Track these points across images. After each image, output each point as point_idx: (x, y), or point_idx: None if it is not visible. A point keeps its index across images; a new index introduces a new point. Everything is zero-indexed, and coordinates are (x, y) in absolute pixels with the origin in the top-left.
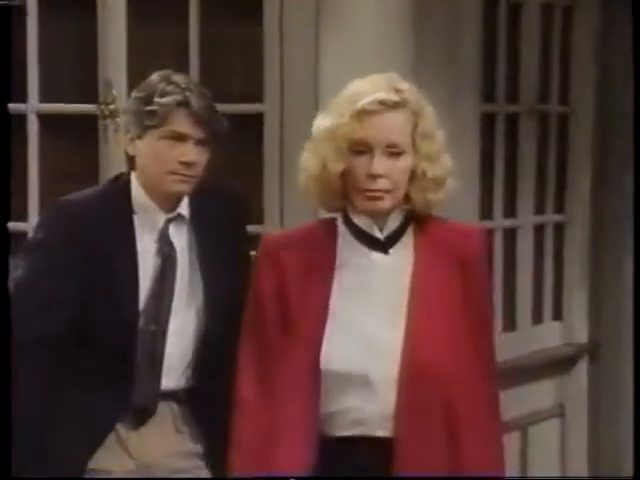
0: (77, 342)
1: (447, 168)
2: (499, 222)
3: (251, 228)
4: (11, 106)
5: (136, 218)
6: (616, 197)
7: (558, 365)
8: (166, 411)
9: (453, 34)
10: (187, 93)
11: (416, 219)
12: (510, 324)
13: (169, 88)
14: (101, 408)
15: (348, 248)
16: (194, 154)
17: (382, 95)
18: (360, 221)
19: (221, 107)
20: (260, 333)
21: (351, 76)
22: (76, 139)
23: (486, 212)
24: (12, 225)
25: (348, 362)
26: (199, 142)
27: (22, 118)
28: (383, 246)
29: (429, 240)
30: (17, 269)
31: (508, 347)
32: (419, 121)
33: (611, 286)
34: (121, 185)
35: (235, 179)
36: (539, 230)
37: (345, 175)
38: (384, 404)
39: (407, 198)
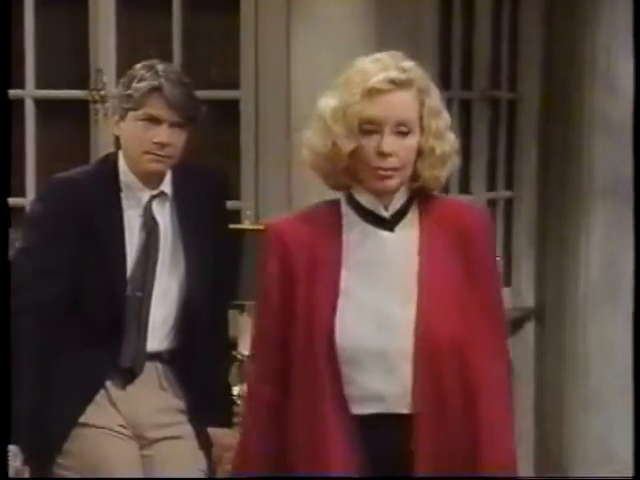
0: (70, 307)
1: (453, 144)
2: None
3: (229, 203)
4: (10, 91)
5: (123, 195)
6: (568, 172)
7: (507, 327)
8: (151, 370)
9: (412, 25)
10: (162, 79)
11: (419, 197)
12: None
13: (147, 75)
14: (92, 368)
15: (354, 228)
16: (168, 135)
17: (392, 74)
18: (365, 200)
19: (201, 93)
20: (272, 320)
21: (319, 65)
22: (69, 122)
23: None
24: (11, 200)
25: (362, 340)
26: (173, 124)
27: (20, 103)
28: (389, 224)
29: (433, 217)
30: (16, 240)
31: None
32: (426, 99)
33: (555, 255)
34: (109, 164)
35: (215, 159)
36: (491, 205)
37: (354, 154)
38: (401, 381)
39: (413, 175)
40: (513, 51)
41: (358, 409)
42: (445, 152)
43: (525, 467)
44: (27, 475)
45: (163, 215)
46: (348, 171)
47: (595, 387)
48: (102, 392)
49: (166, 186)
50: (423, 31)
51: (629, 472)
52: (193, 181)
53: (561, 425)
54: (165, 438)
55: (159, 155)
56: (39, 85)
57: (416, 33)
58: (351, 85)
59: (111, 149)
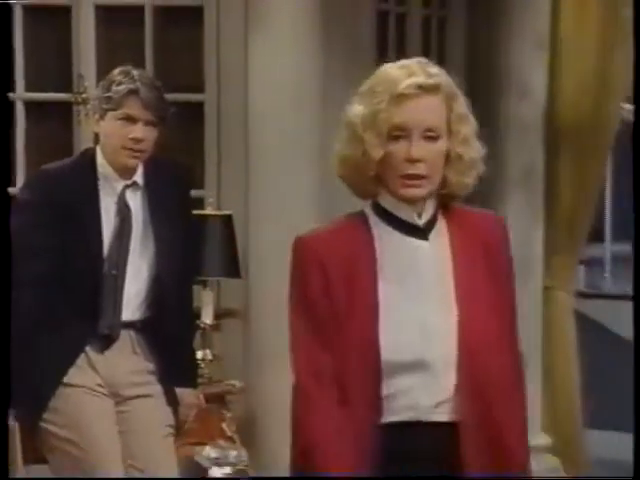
0: (55, 283)
1: (479, 151)
2: None
3: (194, 192)
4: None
5: (100, 184)
6: (487, 162)
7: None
8: (125, 337)
9: (352, 37)
10: (138, 84)
11: (443, 205)
12: None
13: (124, 79)
14: (73, 335)
15: (386, 238)
16: (143, 132)
17: (420, 79)
18: (396, 209)
19: (170, 96)
20: (312, 337)
21: (273, 71)
22: (55, 121)
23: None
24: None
25: (406, 350)
26: (147, 123)
27: (11, 104)
28: (422, 233)
29: (459, 226)
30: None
31: None
32: (453, 104)
33: None
34: (88, 157)
35: (182, 153)
36: None
37: (382, 161)
38: (442, 389)
39: (442, 182)
40: (441, 62)
41: (395, 417)
42: (472, 158)
43: None
44: (17, 432)
45: (135, 202)
46: (377, 179)
47: None
48: (83, 356)
49: (138, 177)
50: (362, 46)
51: None
52: (162, 172)
53: None
54: (137, 396)
55: (135, 150)
56: (28, 88)
57: (355, 47)
58: (378, 92)
59: (91, 145)
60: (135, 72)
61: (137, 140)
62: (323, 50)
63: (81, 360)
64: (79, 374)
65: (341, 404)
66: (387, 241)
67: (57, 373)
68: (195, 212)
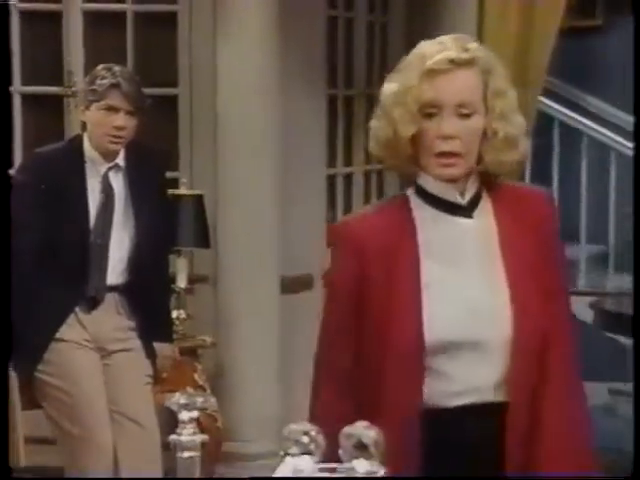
0: (47, 252)
1: (520, 126)
2: (340, 170)
3: (169, 174)
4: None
5: (87, 166)
6: None
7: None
8: (110, 299)
9: (307, 38)
10: (119, 78)
11: (486, 182)
12: None
13: (107, 74)
14: (64, 297)
15: (428, 218)
16: (123, 121)
17: (451, 53)
18: (438, 189)
19: (148, 90)
20: (343, 317)
21: (238, 68)
22: (48, 111)
23: (331, 162)
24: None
25: (454, 330)
26: (128, 113)
27: (9, 96)
28: (466, 211)
29: (505, 203)
30: None
31: None
32: (490, 79)
33: None
34: (76, 142)
35: (159, 140)
36: (368, 174)
37: (416, 140)
38: (496, 369)
39: (479, 160)
40: (384, 60)
41: (445, 401)
42: (509, 134)
43: None
44: (15, 381)
45: (117, 182)
46: (412, 159)
47: None
48: (72, 315)
49: (120, 160)
50: (315, 47)
51: None
52: (141, 156)
53: None
54: (120, 350)
55: (116, 136)
56: (24, 82)
57: (309, 48)
58: (410, 68)
59: (79, 132)
60: (117, 68)
61: (119, 128)
62: (281, 50)
63: (71, 319)
64: (69, 331)
65: (382, 390)
66: (430, 221)
67: (50, 330)
68: (170, 191)
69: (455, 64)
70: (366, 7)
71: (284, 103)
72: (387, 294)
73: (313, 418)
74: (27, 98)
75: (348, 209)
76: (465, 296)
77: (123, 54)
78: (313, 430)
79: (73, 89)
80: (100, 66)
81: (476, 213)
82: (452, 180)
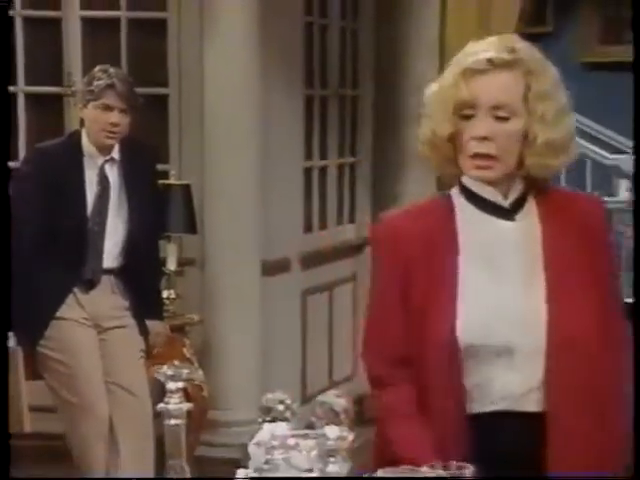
0: (48, 238)
1: (566, 131)
2: (316, 162)
3: (160, 166)
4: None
5: (85, 160)
6: (392, 143)
7: (352, 250)
8: (106, 280)
9: (286, 43)
10: (114, 79)
11: (534, 186)
12: (323, 226)
13: (103, 76)
14: (64, 279)
15: (470, 219)
16: (118, 118)
17: (490, 54)
18: (481, 190)
19: (141, 90)
20: (390, 318)
21: (223, 70)
22: (49, 109)
23: (307, 155)
24: (10, 164)
25: (487, 334)
26: (121, 111)
27: (14, 95)
28: (508, 213)
29: (552, 208)
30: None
31: (323, 240)
32: (533, 81)
33: (385, 202)
34: (75, 138)
35: (151, 135)
36: (341, 167)
37: (454, 141)
38: (531, 376)
39: (519, 163)
40: (355, 63)
41: (480, 407)
42: (551, 139)
43: None
44: (20, 355)
45: (112, 174)
46: (454, 159)
47: None
48: (71, 296)
49: (115, 154)
50: (293, 51)
51: None
52: (135, 150)
53: None
54: (115, 327)
55: (111, 132)
56: (27, 82)
57: (288, 51)
58: (452, 67)
59: (78, 128)
60: (112, 70)
61: (113, 124)
62: (262, 54)
63: (70, 299)
64: (69, 310)
65: (420, 392)
66: (471, 222)
67: (51, 309)
68: (161, 182)
69: (493, 65)
70: (339, 14)
71: (265, 102)
72: (426, 295)
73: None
74: (30, 97)
75: (323, 198)
76: (500, 301)
77: (117, 57)
78: (288, 399)
79: (72, 89)
80: (97, 68)
81: (519, 216)
82: (492, 182)
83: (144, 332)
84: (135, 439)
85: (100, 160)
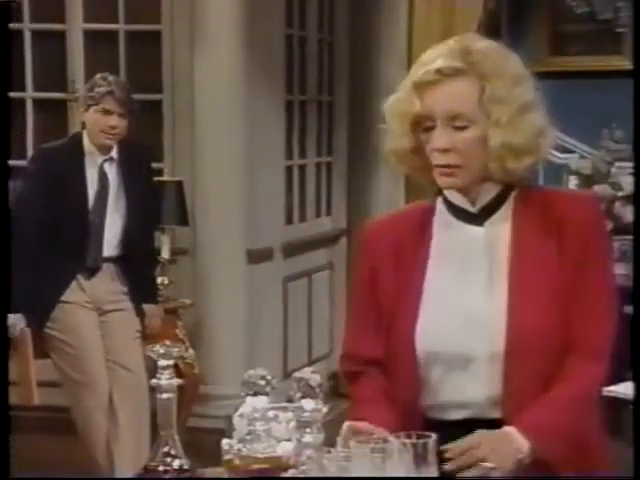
0: (53, 230)
1: (526, 133)
2: (296, 161)
3: (155, 164)
4: (16, 94)
5: (86, 159)
6: (364, 144)
7: (330, 240)
8: (106, 268)
9: (269, 53)
10: (113, 86)
11: (519, 189)
12: (302, 218)
13: (103, 83)
14: (68, 266)
15: (444, 224)
16: (116, 121)
17: (439, 63)
18: (451, 195)
19: (137, 95)
20: (360, 321)
21: (212, 78)
22: (54, 113)
23: (288, 155)
24: (17, 162)
25: (446, 341)
26: (120, 115)
27: (22, 101)
28: (477, 219)
29: (529, 209)
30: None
31: (303, 231)
32: (487, 85)
33: (358, 196)
34: (77, 139)
35: (146, 137)
36: (319, 165)
37: (419, 151)
38: (491, 383)
39: (483, 168)
40: (331, 71)
41: (445, 414)
42: (507, 143)
43: None
44: (29, 335)
45: (111, 172)
46: (423, 168)
47: None
48: (74, 282)
49: (114, 154)
50: (275, 61)
51: None
52: (132, 150)
53: None
54: (114, 310)
55: (110, 134)
56: (35, 89)
57: (270, 61)
58: (406, 80)
59: (80, 129)
60: (111, 77)
61: (112, 127)
62: (247, 63)
63: (73, 284)
64: (72, 294)
65: (390, 392)
66: (445, 227)
67: (56, 294)
68: (155, 178)
69: (443, 74)
70: (316, 28)
71: (249, 106)
72: (394, 300)
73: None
74: (37, 102)
75: (302, 193)
76: (461, 307)
77: (116, 65)
78: (268, 375)
79: (75, 95)
80: (98, 75)
81: (490, 221)
82: (461, 189)
83: (140, 314)
84: (132, 411)
85: (100, 159)
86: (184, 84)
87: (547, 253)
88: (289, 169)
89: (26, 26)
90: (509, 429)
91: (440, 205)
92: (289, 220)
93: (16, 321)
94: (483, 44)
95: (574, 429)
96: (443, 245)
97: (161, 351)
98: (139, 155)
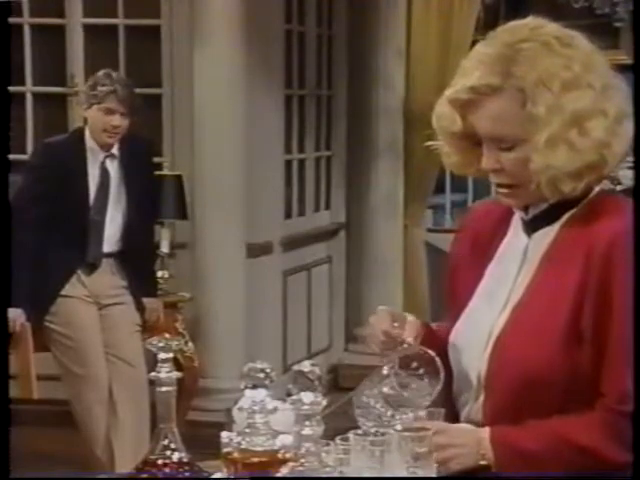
0: (55, 225)
1: (576, 152)
2: (295, 155)
3: (155, 159)
4: (16, 88)
5: (88, 154)
6: (363, 139)
7: (328, 234)
8: (106, 264)
9: (268, 48)
10: (116, 85)
11: (591, 199)
12: (302, 211)
13: (106, 81)
14: (69, 261)
15: (514, 228)
16: (119, 121)
17: (472, 79)
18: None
19: (137, 89)
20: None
21: (211, 74)
22: (54, 107)
23: (287, 149)
24: (18, 156)
25: (459, 355)
26: (122, 114)
27: (22, 95)
28: (528, 228)
29: (578, 224)
30: (15, 182)
31: (302, 225)
32: (527, 101)
33: (357, 189)
34: (79, 134)
35: (147, 131)
36: (318, 160)
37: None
38: (476, 410)
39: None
40: (330, 66)
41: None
42: (550, 165)
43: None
44: (29, 329)
45: (112, 168)
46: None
47: (378, 264)
48: (75, 277)
49: (115, 150)
50: (274, 56)
51: None
52: (133, 145)
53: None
54: (114, 304)
55: (112, 132)
56: (35, 83)
57: (269, 56)
58: (447, 90)
59: (80, 124)
60: (114, 75)
61: (114, 127)
62: (247, 57)
63: (74, 279)
64: (72, 289)
65: None
66: (514, 231)
67: (57, 288)
68: (156, 172)
69: (479, 93)
70: (315, 23)
71: (249, 100)
72: (457, 299)
73: None
74: (37, 96)
75: (302, 187)
76: (480, 324)
77: (116, 60)
78: (267, 368)
79: (75, 89)
80: (101, 72)
81: (539, 233)
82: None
83: (140, 308)
84: (132, 405)
85: (101, 155)
86: (183, 78)
87: (566, 284)
88: (288, 163)
89: (26, 20)
90: (483, 434)
91: None
92: (288, 214)
93: (16, 315)
94: (537, 42)
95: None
96: (504, 249)
97: (160, 344)
98: (140, 150)
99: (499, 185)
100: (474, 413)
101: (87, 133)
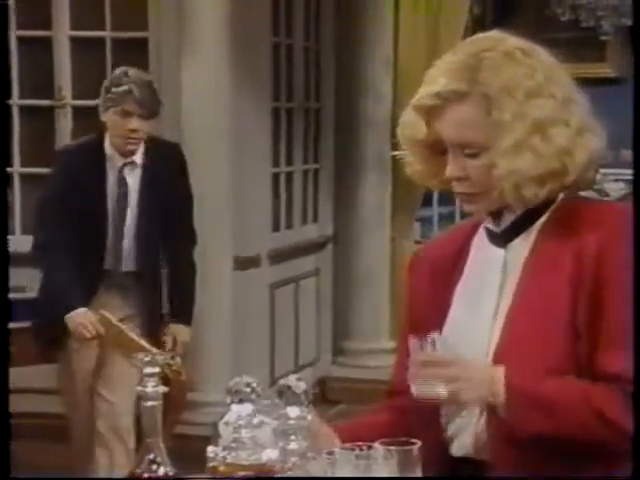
0: (71, 236)
1: (540, 157)
2: (283, 168)
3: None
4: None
5: (107, 162)
6: (351, 151)
7: (316, 247)
8: (122, 282)
9: (255, 60)
10: (132, 85)
11: (558, 205)
12: (289, 224)
13: (122, 81)
14: (81, 279)
15: (479, 245)
16: (137, 124)
17: (437, 86)
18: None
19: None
20: (400, 349)
21: (197, 82)
22: (41, 120)
23: (275, 162)
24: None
25: None
26: (140, 116)
27: (9, 108)
28: (501, 240)
29: (556, 231)
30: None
31: (289, 238)
32: (493, 107)
33: (345, 201)
34: (99, 140)
35: None
36: (306, 173)
37: (441, 173)
38: (475, 424)
39: (501, 193)
40: (318, 79)
41: (454, 450)
42: (515, 170)
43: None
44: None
45: (132, 177)
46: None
47: (365, 276)
48: (85, 295)
49: (137, 158)
50: (261, 67)
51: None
52: (158, 152)
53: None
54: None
55: (131, 137)
56: (22, 96)
57: (256, 68)
58: (413, 100)
59: (67, 137)
60: (132, 74)
61: (132, 130)
62: (234, 70)
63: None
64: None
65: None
66: (479, 248)
67: (66, 308)
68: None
69: (443, 98)
70: (303, 36)
71: (237, 113)
72: (423, 327)
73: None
74: (24, 109)
75: (289, 201)
76: (466, 340)
77: (103, 72)
78: (254, 382)
79: (62, 102)
80: (117, 71)
81: (515, 242)
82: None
83: (153, 333)
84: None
85: (119, 163)
86: (171, 91)
87: (557, 288)
88: (276, 176)
89: (12, 32)
90: (498, 372)
91: (484, 224)
92: (276, 227)
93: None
94: (500, 52)
95: (561, 417)
96: (473, 266)
97: (146, 359)
98: (166, 156)
99: (461, 194)
100: (480, 427)
101: (107, 139)
